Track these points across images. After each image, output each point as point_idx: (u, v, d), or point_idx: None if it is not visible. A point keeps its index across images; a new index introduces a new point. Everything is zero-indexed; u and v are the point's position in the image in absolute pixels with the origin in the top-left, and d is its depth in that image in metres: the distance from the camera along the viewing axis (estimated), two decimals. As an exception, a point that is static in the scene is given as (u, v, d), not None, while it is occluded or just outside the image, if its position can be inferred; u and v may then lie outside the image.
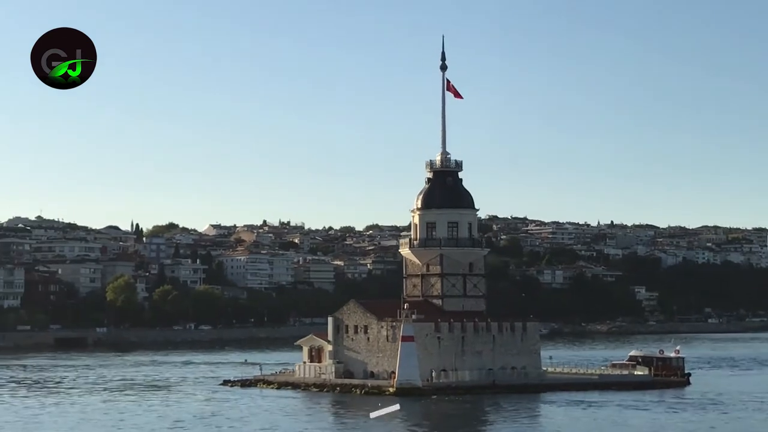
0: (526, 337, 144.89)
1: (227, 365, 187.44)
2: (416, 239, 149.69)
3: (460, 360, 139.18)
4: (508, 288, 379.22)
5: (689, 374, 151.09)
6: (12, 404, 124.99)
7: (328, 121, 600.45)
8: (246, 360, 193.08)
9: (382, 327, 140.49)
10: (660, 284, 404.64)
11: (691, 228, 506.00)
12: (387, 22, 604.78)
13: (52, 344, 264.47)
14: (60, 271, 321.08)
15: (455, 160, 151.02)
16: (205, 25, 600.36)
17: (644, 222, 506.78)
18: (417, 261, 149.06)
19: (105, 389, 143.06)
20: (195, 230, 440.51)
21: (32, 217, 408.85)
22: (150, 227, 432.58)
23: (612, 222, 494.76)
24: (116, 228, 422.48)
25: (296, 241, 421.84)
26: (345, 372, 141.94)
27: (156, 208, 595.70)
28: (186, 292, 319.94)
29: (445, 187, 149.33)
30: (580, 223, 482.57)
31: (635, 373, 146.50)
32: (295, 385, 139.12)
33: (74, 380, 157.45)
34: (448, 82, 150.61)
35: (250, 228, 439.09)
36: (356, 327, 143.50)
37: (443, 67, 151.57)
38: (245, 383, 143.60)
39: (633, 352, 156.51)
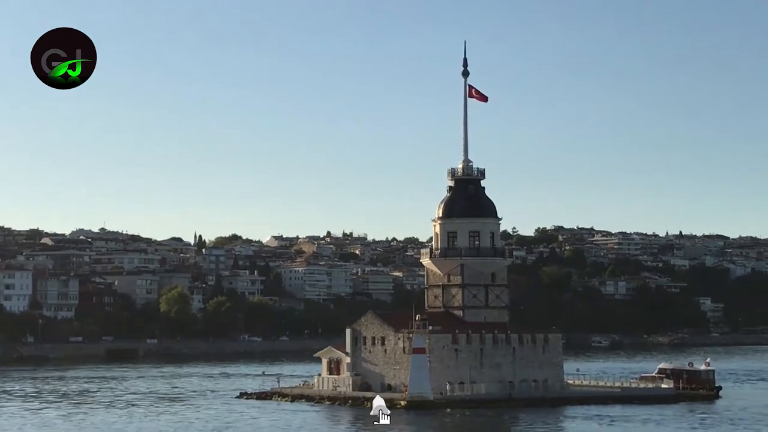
0: (548, 349, 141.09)
1: (262, 377, 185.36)
2: (437, 249, 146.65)
3: (479, 373, 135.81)
4: (570, 299, 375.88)
5: (720, 387, 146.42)
6: (20, 416, 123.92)
7: (393, 131, 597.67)
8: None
9: (399, 339, 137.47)
10: (726, 296, 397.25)
11: (762, 238, 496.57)
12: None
13: (103, 356, 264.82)
14: (116, 283, 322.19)
15: (477, 168, 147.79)
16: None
17: (714, 232, 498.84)
18: (438, 271, 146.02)
19: (122, 402, 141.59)
20: (259, 241, 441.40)
21: (95, 230, 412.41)
22: (213, 239, 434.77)
23: (681, 232, 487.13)
24: (179, 240, 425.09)
25: (357, 252, 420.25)
26: (363, 384, 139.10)
27: (220, 221, 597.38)
28: (240, 304, 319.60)
29: (466, 196, 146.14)
30: (648, 233, 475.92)
31: (662, 386, 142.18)
32: (309, 398, 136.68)
33: (95, 392, 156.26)
34: (471, 87, 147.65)
35: (312, 239, 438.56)
36: (374, 339, 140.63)
37: (465, 73, 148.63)
38: (261, 396, 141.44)
39: (662, 365, 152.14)
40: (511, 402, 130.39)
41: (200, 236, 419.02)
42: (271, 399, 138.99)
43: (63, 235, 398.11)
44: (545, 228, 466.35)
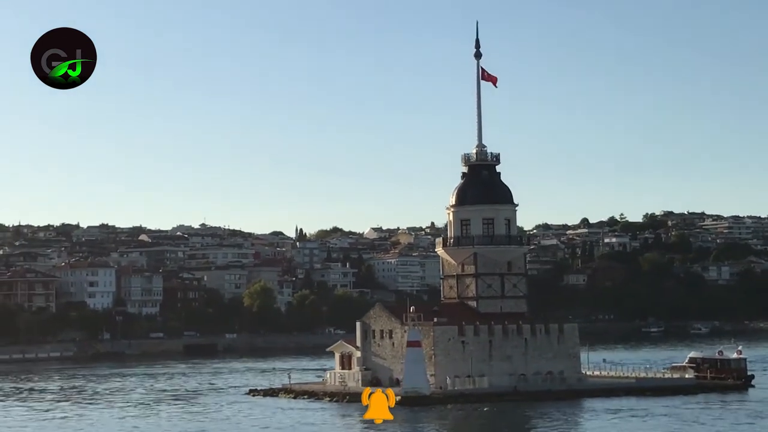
0: (563, 339, 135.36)
1: (307, 371, 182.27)
2: (451, 238, 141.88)
3: (488, 365, 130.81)
4: (672, 286, 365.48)
5: (752, 376, 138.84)
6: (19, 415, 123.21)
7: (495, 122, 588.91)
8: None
9: (405, 331, 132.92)
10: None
11: None
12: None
13: (182, 351, 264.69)
14: (206, 278, 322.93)
15: (491, 153, 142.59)
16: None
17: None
18: (452, 261, 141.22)
19: (136, 400, 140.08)
20: (359, 233, 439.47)
21: (196, 225, 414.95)
22: (314, 232, 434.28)
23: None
24: (280, 233, 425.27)
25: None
26: (373, 379, 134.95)
27: (324, 214, 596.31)
28: (326, 297, 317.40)
29: (479, 182, 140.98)
30: (763, 216, 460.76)
31: (686, 376, 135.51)
32: (312, 394, 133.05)
33: (112, 391, 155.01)
34: (483, 70, 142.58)
35: (412, 230, 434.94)
36: (382, 332, 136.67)
37: (477, 55, 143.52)
38: (268, 392, 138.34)
39: (692, 354, 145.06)
40: (515, 395, 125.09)
41: (301, 230, 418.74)
42: (278, 396, 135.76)
43: (165, 231, 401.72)
44: (653, 214, 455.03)
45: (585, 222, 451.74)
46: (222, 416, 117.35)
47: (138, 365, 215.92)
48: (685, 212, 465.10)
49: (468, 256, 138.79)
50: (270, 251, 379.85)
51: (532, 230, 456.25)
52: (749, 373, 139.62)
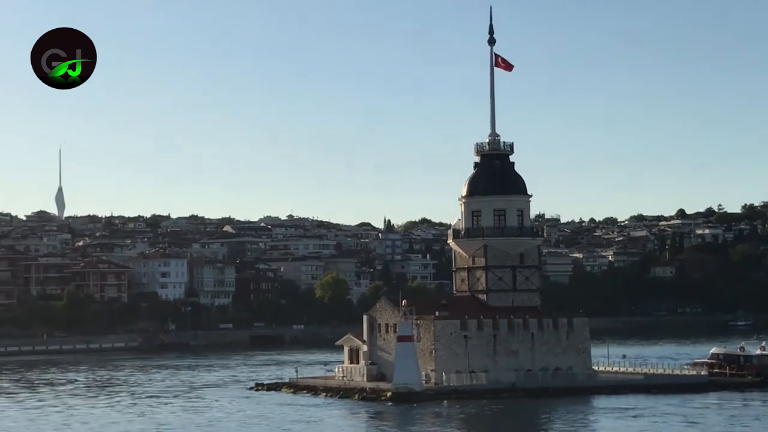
0: (573, 334, 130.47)
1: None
2: (462, 229, 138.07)
3: (492, 361, 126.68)
4: (762, 278, 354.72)
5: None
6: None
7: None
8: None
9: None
10: None
11: None
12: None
13: (248, 343, 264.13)
14: (282, 269, 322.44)
15: (505, 142, 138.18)
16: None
17: None
18: (463, 253, 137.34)
19: (140, 393, 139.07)
20: (448, 225, 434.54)
21: (283, 217, 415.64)
22: (402, 223, 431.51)
23: None
24: (367, 225, 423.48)
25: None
26: (378, 374, 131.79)
27: (414, 205, 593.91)
28: (400, 288, 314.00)
29: (491, 172, 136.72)
30: None
31: (701, 373, 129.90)
32: (311, 389, 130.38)
33: (134, 384, 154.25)
34: (497, 56, 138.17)
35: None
36: (387, 326, 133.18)
37: (491, 41, 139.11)
38: (272, 387, 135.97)
39: (714, 350, 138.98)
40: (512, 392, 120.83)
41: (389, 221, 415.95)
42: (280, 390, 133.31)
43: (253, 222, 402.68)
44: (752, 204, 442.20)
45: (681, 213, 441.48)
46: (204, 412, 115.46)
47: (192, 357, 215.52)
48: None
49: (478, 248, 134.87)
50: (353, 242, 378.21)
51: (624, 221, 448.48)
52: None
